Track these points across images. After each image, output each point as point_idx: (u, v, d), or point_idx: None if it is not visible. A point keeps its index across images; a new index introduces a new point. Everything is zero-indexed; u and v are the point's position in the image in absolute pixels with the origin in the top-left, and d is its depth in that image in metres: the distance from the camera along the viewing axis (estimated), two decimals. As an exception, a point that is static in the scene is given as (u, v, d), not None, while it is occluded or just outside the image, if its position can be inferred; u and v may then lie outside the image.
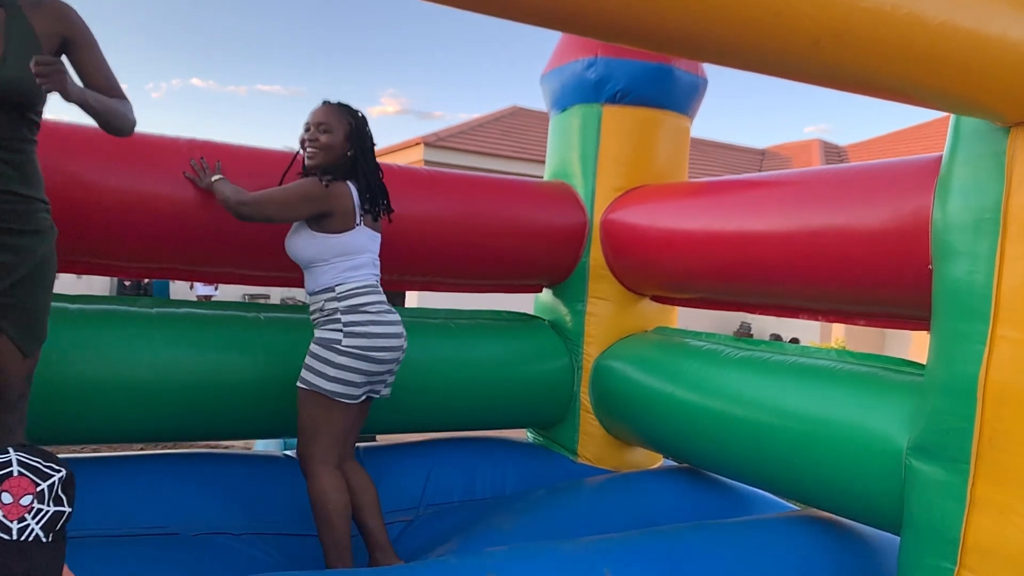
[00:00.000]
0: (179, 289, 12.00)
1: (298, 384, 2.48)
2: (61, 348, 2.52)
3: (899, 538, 2.17)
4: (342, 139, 2.54)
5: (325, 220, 2.49)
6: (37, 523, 1.18)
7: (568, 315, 3.62)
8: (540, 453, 3.60)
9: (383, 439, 3.75)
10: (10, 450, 1.23)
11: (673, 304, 3.60)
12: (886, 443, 2.16)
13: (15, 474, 1.19)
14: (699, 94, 3.58)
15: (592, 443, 3.53)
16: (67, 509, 1.24)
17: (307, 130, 2.56)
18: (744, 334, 13.26)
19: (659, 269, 3.30)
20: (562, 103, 3.64)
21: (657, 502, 3.02)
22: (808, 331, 12.42)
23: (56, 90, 1.84)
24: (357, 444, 2.97)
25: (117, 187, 2.59)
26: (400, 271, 3.15)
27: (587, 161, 3.55)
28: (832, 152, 16.34)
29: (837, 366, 2.50)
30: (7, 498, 1.17)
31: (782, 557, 2.39)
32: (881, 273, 2.34)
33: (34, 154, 2.02)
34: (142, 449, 4.19)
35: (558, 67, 3.60)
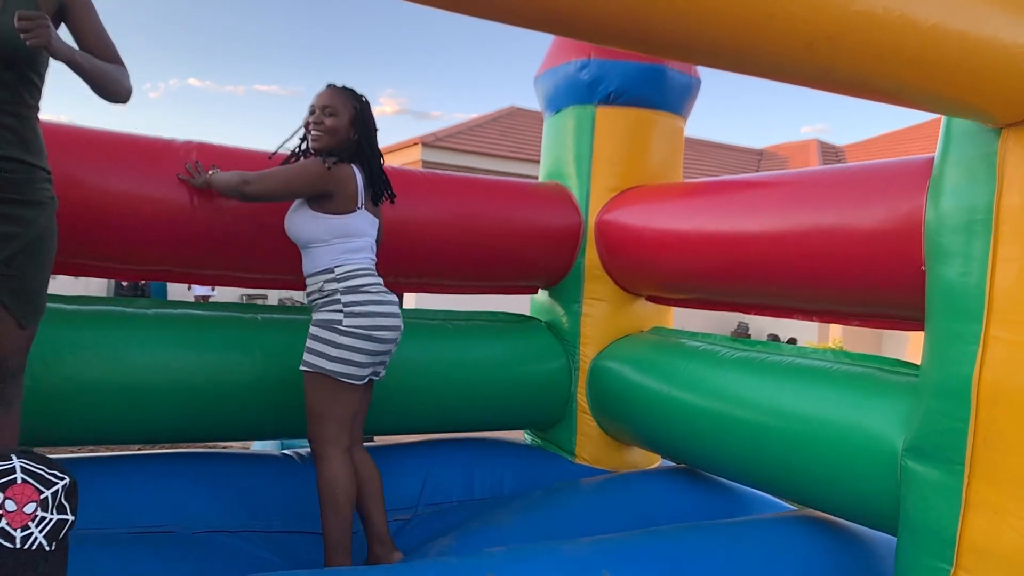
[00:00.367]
0: (177, 290, 11.98)
1: (301, 368, 2.47)
2: (58, 349, 2.52)
3: (896, 538, 2.17)
4: (347, 123, 2.54)
5: (327, 201, 2.49)
6: (41, 531, 1.17)
7: (564, 316, 3.62)
8: (538, 454, 3.60)
9: (381, 439, 3.75)
10: (13, 456, 1.22)
11: (669, 304, 3.60)
12: (881, 444, 2.17)
13: (18, 481, 1.18)
14: (692, 94, 3.59)
15: (590, 444, 3.53)
16: (70, 518, 1.22)
17: (312, 113, 2.56)
18: (742, 334, 13.27)
19: (654, 270, 3.30)
20: (556, 104, 3.64)
21: (656, 502, 3.02)
22: (806, 331, 12.43)
23: (41, 46, 1.78)
24: None
25: (113, 189, 2.59)
26: (396, 273, 3.15)
27: (581, 162, 3.56)
28: (830, 152, 16.34)
29: (833, 367, 2.51)
30: (11, 505, 1.16)
31: (781, 557, 2.39)
32: (875, 274, 2.34)
33: (36, 121, 1.98)
34: (139, 450, 4.19)
35: (551, 68, 3.60)
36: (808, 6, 1.45)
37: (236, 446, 4.86)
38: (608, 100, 3.44)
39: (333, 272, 2.48)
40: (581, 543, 2.33)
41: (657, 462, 3.67)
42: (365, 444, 2.75)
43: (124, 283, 10.77)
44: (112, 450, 3.65)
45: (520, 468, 3.39)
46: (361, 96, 2.61)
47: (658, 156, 3.57)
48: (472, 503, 3.14)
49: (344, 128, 2.54)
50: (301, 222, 2.54)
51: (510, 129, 12.75)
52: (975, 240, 1.89)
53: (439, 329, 3.33)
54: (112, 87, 2.02)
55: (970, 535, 1.88)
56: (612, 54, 3.34)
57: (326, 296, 2.48)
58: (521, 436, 3.91)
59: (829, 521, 2.61)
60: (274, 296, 14.55)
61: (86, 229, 2.57)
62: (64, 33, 2.03)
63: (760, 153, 17.05)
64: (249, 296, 13.52)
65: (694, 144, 15.48)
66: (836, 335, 11.69)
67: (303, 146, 2.66)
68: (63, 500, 1.22)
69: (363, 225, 2.55)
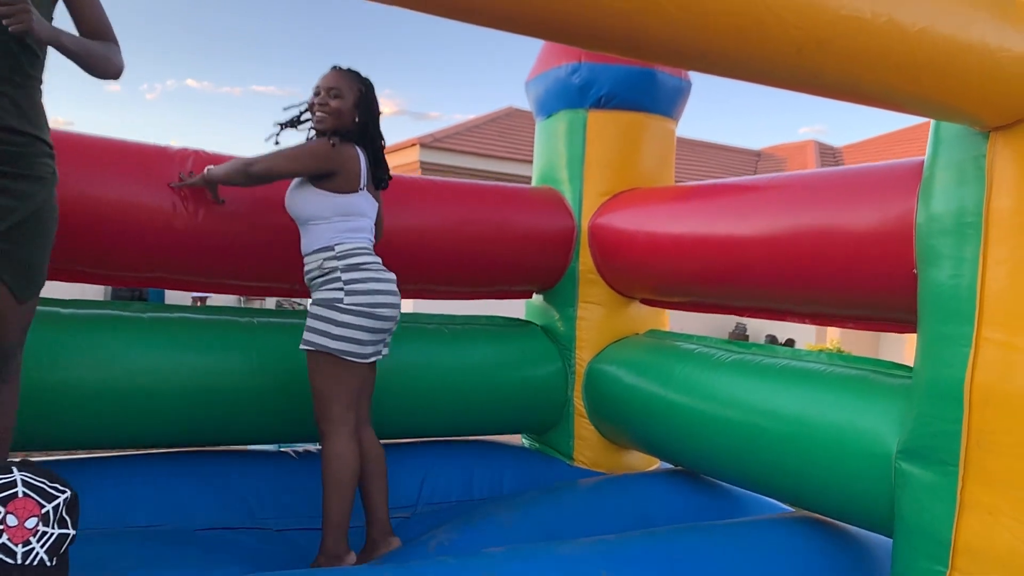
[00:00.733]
0: (174, 293, 11.97)
1: (302, 347, 2.47)
2: (54, 352, 2.51)
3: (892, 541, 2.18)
4: (351, 105, 2.55)
5: (329, 179, 2.50)
6: (42, 546, 1.15)
7: (559, 320, 3.63)
8: (537, 456, 3.60)
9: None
10: (14, 469, 1.20)
11: (663, 307, 3.61)
12: (876, 446, 2.17)
13: (20, 495, 1.16)
14: (683, 97, 3.60)
15: (587, 447, 3.53)
16: (71, 532, 1.20)
17: (317, 94, 2.56)
18: (740, 335, 13.26)
19: (647, 273, 3.31)
20: (547, 109, 3.66)
21: (654, 503, 3.03)
22: (804, 332, 12.43)
23: (22, 31, 1.75)
24: None
25: (108, 196, 2.58)
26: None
27: (574, 166, 3.56)
28: (827, 153, 16.35)
29: (827, 369, 2.51)
30: (12, 520, 1.14)
31: (778, 558, 2.39)
32: (867, 277, 2.35)
33: (37, 93, 1.95)
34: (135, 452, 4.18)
35: (542, 73, 3.61)
36: (797, 12, 1.46)
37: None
38: (599, 104, 3.45)
39: (333, 250, 2.48)
40: (579, 544, 2.33)
41: (655, 465, 3.67)
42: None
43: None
44: (109, 452, 3.65)
45: (519, 470, 3.39)
46: (366, 79, 2.61)
47: (650, 159, 3.57)
48: (471, 503, 3.14)
49: (348, 110, 2.55)
50: (302, 198, 2.54)
51: (508, 130, 12.75)
52: (966, 242, 1.90)
53: (436, 333, 3.33)
54: (101, 66, 1.99)
55: (965, 537, 1.89)
56: (602, 58, 3.34)
57: (326, 274, 2.47)
58: (519, 440, 3.91)
59: (827, 523, 2.61)
60: (271, 299, 14.54)
61: (80, 236, 2.55)
62: (62, 18, 2.01)
63: (758, 154, 17.06)
64: (247, 298, 13.51)
65: (692, 145, 15.49)
66: (834, 336, 11.69)
67: (307, 124, 2.64)
68: (64, 514, 1.20)
69: (364, 205, 2.56)
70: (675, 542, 2.39)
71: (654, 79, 3.42)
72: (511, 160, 11.52)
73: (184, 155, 2.75)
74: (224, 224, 2.77)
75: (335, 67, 2.60)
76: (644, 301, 3.58)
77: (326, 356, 2.42)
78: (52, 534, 1.18)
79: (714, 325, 12.73)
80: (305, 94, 2.65)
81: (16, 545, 1.13)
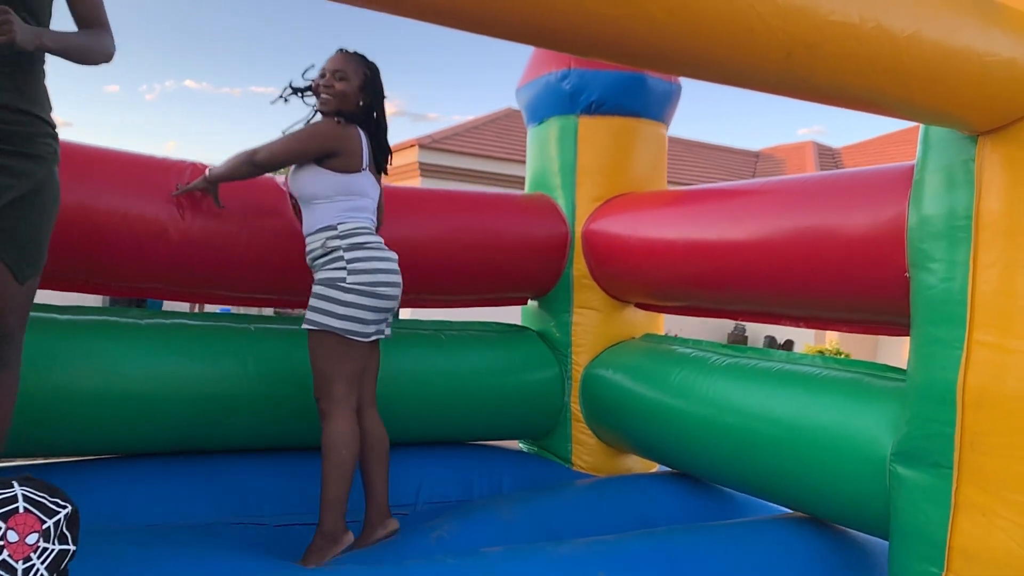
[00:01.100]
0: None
1: (304, 326, 2.46)
2: (51, 358, 2.50)
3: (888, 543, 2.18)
4: (356, 88, 2.56)
5: (332, 159, 2.51)
6: (43, 563, 1.14)
7: (555, 326, 3.62)
8: (536, 460, 3.60)
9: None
10: (15, 484, 1.19)
11: (658, 312, 3.61)
12: (870, 449, 2.18)
13: (20, 510, 1.14)
14: (673, 101, 3.61)
15: (586, 451, 3.53)
16: (71, 548, 1.19)
17: (322, 76, 2.57)
18: (739, 336, 13.28)
19: (641, 278, 3.31)
20: (538, 115, 3.66)
21: (653, 503, 3.03)
22: (803, 333, 12.45)
23: (6, 42, 1.73)
24: None
25: (103, 206, 2.57)
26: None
27: (566, 172, 3.56)
28: (826, 154, 16.37)
29: (822, 372, 2.52)
30: (12, 536, 1.12)
31: (777, 559, 2.39)
32: (860, 281, 2.36)
33: (40, 72, 1.93)
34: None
35: (532, 80, 3.62)
36: (786, 18, 1.48)
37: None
38: (590, 110, 3.45)
39: (336, 229, 2.48)
40: (577, 544, 2.33)
41: (654, 468, 3.67)
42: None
43: (119, 290, 10.70)
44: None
45: (519, 473, 3.38)
46: (372, 63, 2.62)
47: (642, 164, 3.58)
48: (471, 503, 3.14)
49: (353, 93, 2.55)
50: (305, 178, 2.54)
51: (507, 131, 12.76)
52: (956, 246, 1.91)
53: (432, 339, 3.32)
54: (89, 57, 1.98)
55: (960, 538, 1.89)
56: (592, 64, 3.34)
57: (329, 253, 2.47)
58: (516, 446, 3.90)
59: (825, 524, 2.61)
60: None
61: (76, 246, 2.54)
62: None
63: (757, 155, 17.08)
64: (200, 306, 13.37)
65: (691, 146, 15.51)
66: (833, 337, 11.70)
67: (312, 102, 2.64)
68: (65, 529, 1.19)
69: (367, 185, 2.57)
70: (673, 543, 2.39)
71: (644, 84, 3.42)
72: (510, 161, 11.53)
73: (182, 167, 2.74)
74: (220, 233, 2.76)
75: (341, 50, 2.61)
76: (639, 306, 3.59)
77: (329, 335, 2.42)
78: (53, 550, 1.16)
79: (714, 326, 12.74)
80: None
81: (17, 562, 1.12)
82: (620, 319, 3.57)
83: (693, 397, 2.83)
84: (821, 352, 10.76)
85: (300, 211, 2.81)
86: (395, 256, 2.57)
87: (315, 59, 2.69)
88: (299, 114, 2.62)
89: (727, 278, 2.86)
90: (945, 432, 1.92)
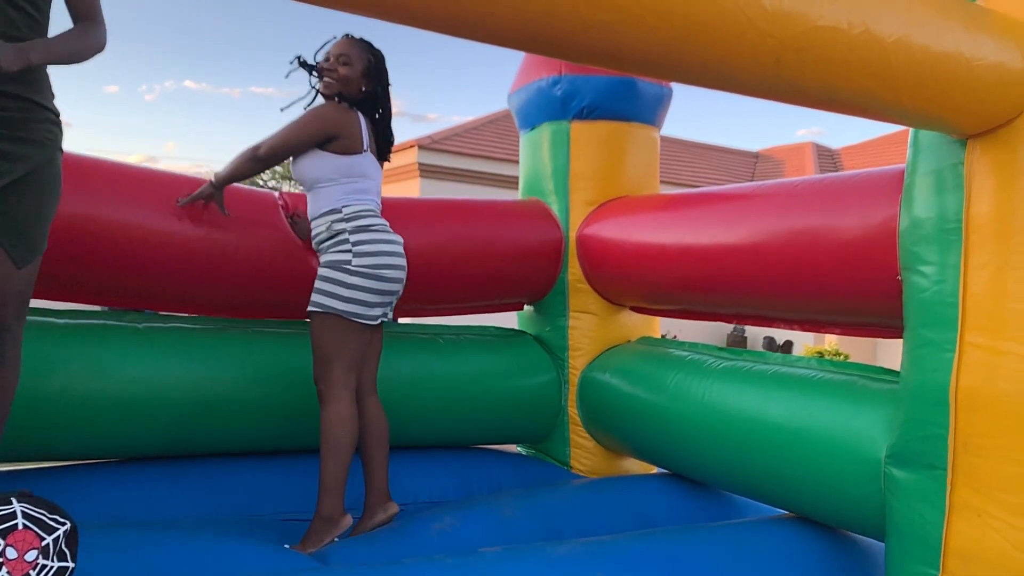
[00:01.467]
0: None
1: (310, 308, 2.46)
2: (48, 362, 2.50)
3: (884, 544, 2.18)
4: (360, 73, 2.57)
5: (333, 143, 2.52)
6: None
7: (551, 330, 3.63)
8: (535, 462, 3.60)
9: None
10: (13, 500, 1.18)
11: (653, 315, 3.62)
12: (865, 451, 2.19)
13: (20, 527, 1.13)
14: (665, 104, 3.62)
15: (584, 455, 3.54)
16: (71, 564, 1.18)
17: (327, 60, 2.58)
18: (738, 337, 13.28)
19: (636, 282, 3.32)
20: (531, 121, 3.67)
21: (651, 503, 3.03)
22: (802, 334, 12.45)
23: None
24: None
25: (104, 217, 2.57)
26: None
27: (559, 177, 3.57)
28: (825, 155, 16.37)
29: (817, 375, 2.52)
30: (11, 553, 1.11)
31: (774, 560, 2.40)
32: (853, 284, 2.36)
33: None
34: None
35: (524, 86, 3.63)
36: (775, 23, 1.49)
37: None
38: (582, 115, 3.46)
39: (340, 212, 2.50)
40: (575, 545, 2.33)
41: (652, 471, 3.67)
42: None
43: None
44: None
45: (517, 475, 3.38)
46: (377, 50, 2.63)
47: (635, 167, 3.58)
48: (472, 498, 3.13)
49: (356, 78, 2.56)
50: (307, 162, 2.55)
51: (507, 131, 12.75)
52: (947, 248, 1.92)
53: (430, 343, 3.32)
54: (77, 58, 1.96)
55: (955, 540, 1.90)
56: (584, 69, 3.35)
57: (334, 236, 2.49)
58: (515, 450, 3.91)
59: (823, 525, 2.60)
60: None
61: (76, 258, 2.55)
62: None
63: (756, 156, 17.09)
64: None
65: (690, 147, 15.52)
66: (832, 338, 11.69)
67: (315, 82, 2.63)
68: (64, 547, 1.18)
69: (369, 167, 2.58)
70: (671, 543, 2.39)
71: (635, 88, 3.44)
72: (510, 162, 11.52)
73: (181, 181, 2.75)
74: (219, 242, 2.77)
75: (347, 35, 2.62)
76: (634, 309, 3.59)
77: (333, 317, 2.43)
78: (52, 567, 1.15)
79: (713, 327, 12.74)
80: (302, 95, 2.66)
81: None
82: (616, 322, 3.58)
83: (689, 400, 2.84)
84: (820, 353, 10.77)
85: (298, 227, 2.83)
86: (400, 239, 2.58)
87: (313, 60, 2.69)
88: (297, 115, 2.61)
89: (720, 282, 2.87)
90: (939, 434, 1.92)
